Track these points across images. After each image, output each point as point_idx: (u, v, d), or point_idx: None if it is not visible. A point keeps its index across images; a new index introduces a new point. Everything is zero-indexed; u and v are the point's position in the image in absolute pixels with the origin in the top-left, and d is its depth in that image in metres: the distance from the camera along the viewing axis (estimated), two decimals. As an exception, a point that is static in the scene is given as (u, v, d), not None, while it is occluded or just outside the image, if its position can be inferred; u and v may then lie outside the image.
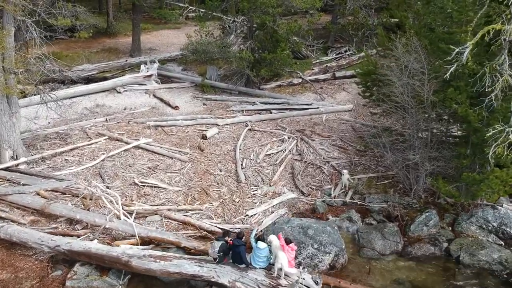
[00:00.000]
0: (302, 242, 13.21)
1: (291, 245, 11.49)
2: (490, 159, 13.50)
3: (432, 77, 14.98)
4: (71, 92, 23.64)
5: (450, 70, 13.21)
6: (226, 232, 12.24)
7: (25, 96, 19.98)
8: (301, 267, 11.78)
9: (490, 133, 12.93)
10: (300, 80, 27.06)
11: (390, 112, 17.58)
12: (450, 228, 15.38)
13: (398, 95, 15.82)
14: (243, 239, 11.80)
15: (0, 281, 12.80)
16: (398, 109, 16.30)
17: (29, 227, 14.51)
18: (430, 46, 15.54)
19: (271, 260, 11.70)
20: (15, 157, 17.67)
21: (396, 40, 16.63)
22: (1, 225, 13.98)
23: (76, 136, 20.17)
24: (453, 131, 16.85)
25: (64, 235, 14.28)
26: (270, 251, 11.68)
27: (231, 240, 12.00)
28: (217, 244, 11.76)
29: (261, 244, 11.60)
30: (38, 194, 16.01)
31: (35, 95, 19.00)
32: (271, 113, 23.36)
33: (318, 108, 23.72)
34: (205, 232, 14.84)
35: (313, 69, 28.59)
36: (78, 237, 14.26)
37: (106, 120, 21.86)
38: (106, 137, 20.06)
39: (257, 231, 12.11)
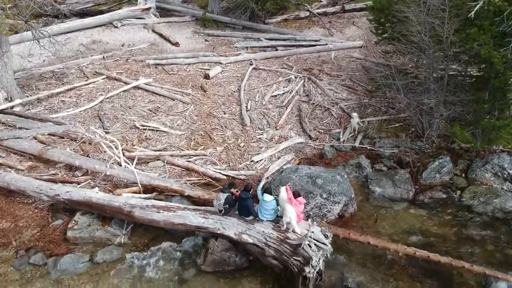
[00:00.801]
0: (310, 192, 12.69)
1: (299, 198, 10.93)
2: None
3: (453, 15, 13.77)
4: (65, 27, 22.29)
5: (476, 8, 12.09)
6: (231, 184, 11.69)
7: (16, 32, 18.87)
8: (309, 220, 11.30)
9: (515, 77, 12.06)
10: (308, 14, 25.51)
11: (404, 52, 16.47)
12: (464, 175, 14.79)
13: (415, 34, 14.66)
14: (250, 192, 11.25)
15: (0, 230, 12.50)
16: (414, 49, 15.18)
17: (27, 174, 14.00)
18: (452, -21, 14.19)
19: (279, 213, 11.23)
20: (9, 99, 16.88)
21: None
22: (-3, 173, 13.47)
23: (73, 76, 19.21)
24: (472, 72, 15.81)
25: (63, 182, 13.81)
26: (277, 203, 11.16)
27: (237, 191, 11.50)
28: (222, 196, 11.24)
29: (267, 197, 11.05)
30: (35, 138, 15.38)
31: (26, 31, 17.83)
32: (276, 50, 22.15)
33: (326, 44, 22.44)
34: (209, 179, 14.37)
35: (321, 1, 26.97)
36: (78, 184, 13.81)
37: (104, 57, 20.77)
38: (104, 76, 19.11)
39: (265, 182, 11.52)
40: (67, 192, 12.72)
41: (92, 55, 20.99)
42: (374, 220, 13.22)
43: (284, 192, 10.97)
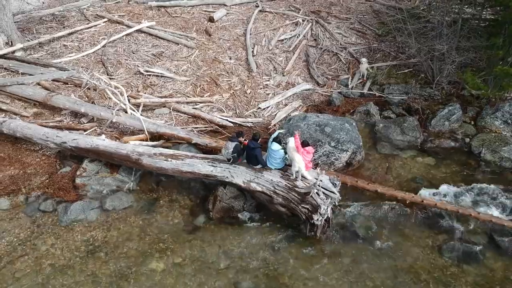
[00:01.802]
0: (318, 140, 12.60)
1: (307, 148, 10.82)
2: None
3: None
4: (64, -33, 21.42)
5: None
6: (239, 132, 11.58)
7: (13, -27, 18.21)
8: (318, 169, 11.27)
9: (533, 23, 11.63)
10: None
11: (416, -6, 15.89)
12: (473, 123, 14.65)
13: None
14: (258, 141, 11.15)
15: (9, 177, 12.55)
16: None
17: (33, 121, 13.89)
18: None
19: (287, 162, 11.18)
20: (10, 43, 16.50)
21: None
22: (3, 120, 13.34)
23: (74, 19, 18.69)
24: (487, 15, 15.27)
25: (69, 129, 13.75)
26: (285, 152, 11.09)
27: (245, 140, 11.41)
28: (231, 145, 11.17)
29: (275, 146, 10.96)
30: (39, 84, 15.15)
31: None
32: (283, -9, 21.37)
33: (335, -15, 21.62)
34: (216, 126, 14.26)
35: None
36: (84, 131, 13.73)
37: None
38: (106, 19, 18.59)
39: (278, 133, 11.36)
40: (74, 139, 12.65)
41: (92, -3, 20.32)
42: (385, 171, 13.15)
43: (292, 141, 10.87)
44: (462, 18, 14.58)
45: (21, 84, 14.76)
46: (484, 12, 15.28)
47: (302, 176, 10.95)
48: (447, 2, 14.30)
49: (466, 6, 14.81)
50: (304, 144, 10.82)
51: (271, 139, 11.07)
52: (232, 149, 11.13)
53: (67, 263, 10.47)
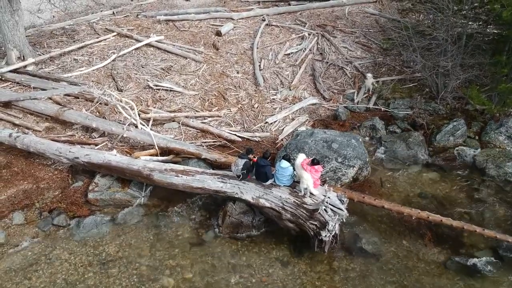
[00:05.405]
0: (326, 156, 12.82)
1: (316, 167, 11.03)
2: (530, 69, 12.60)
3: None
4: (73, -19, 21.78)
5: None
6: (249, 149, 11.82)
7: (24, -13, 18.55)
8: (326, 185, 11.51)
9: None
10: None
11: (421, 11, 16.12)
12: (477, 138, 14.83)
13: (435, -7, 14.33)
14: (268, 159, 11.41)
15: (23, 191, 12.83)
16: (432, 10, 14.83)
17: (45, 135, 14.20)
18: None
19: (296, 178, 11.43)
20: (21, 58, 16.82)
21: None
22: (16, 135, 13.62)
23: (84, 33, 19.01)
24: (491, 30, 15.53)
25: (81, 143, 14.02)
26: (294, 169, 11.34)
27: (254, 157, 11.66)
28: (241, 162, 11.42)
29: (284, 163, 11.21)
30: (50, 99, 15.45)
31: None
32: (289, 4, 21.71)
33: (340, -2, 21.96)
34: (224, 141, 14.50)
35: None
36: (96, 145, 14.00)
37: (113, 13, 20.49)
38: (115, 33, 18.91)
39: (285, 154, 11.60)
40: (87, 155, 12.93)
41: (101, 11, 20.72)
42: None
43: (299, 159, 11.11)
44: (466, 34, 14.80)
45: (34, 99, 15.08)
46: (488, 27, 15.49)
47: (310, 193, 11.19)
48: (451, 18, 14.51)
49: (470, 22, 15.02)
50: (314, 162, 11.03)
51: (280, 156, 11.30)
52: (241, 166, 11.39)
53: (80, 278, 10.70)
